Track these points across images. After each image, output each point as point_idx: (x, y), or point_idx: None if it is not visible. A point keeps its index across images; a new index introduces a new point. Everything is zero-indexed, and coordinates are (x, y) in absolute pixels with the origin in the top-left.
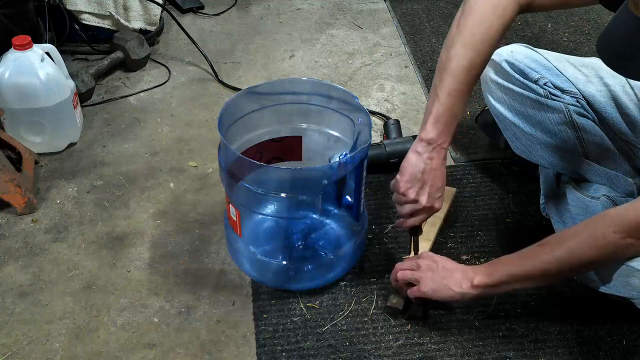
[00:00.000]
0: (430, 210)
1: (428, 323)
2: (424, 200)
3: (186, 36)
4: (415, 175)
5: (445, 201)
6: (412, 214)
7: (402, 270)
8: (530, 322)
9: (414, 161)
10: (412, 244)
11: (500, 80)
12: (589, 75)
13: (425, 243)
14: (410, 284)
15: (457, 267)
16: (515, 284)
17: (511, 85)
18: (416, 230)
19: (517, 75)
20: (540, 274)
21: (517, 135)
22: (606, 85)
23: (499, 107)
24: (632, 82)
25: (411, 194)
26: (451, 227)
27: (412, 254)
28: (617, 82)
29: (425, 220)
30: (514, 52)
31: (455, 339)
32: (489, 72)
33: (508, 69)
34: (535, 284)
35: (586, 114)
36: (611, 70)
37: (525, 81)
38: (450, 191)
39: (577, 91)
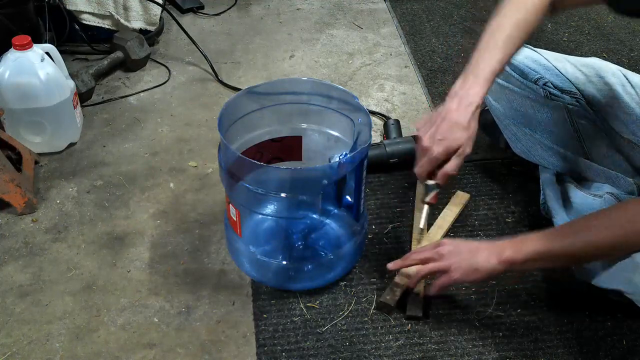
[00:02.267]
0: (429, 155)
1: (428, 323)
2: (425, 139)
3: (186, 36)
4: (431, 117)
5: (456, 205)
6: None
7: (423, 265)
8: (530, 322)
9: (438, 109)
10: (423, 215)
11: (499, 81)
12: (589, 75)
13: (428, 244)
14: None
15: (480, 246)
16: (540, 262)
17: (511, 86)
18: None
19: (516, 76)
20: (566, 254)
21: (517, 135)
22: (607, 84)
23: (499, 107)
24: (632, 81)
25: (421, 133)
26: (451, 227)
27: (422, 224)
28: (617, 81)
29: (430, 169)
30: None
31: (455, 339)
32: None
33: (508, 69)
34: (558, 264)
35: (586, 114)
36: (612, 70)
37: (525, 81)
38: (464, 197)
39: (577, 91)
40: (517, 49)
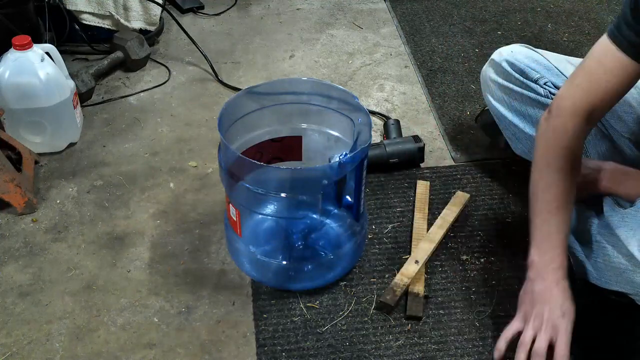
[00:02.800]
0: (554, 331)
1: (428, 323)
2: (537, 324)
3: (186, 36)
4: (524, 301)
5: (456, 205)
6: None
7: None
8: None
9: (526, 288)
10: None
11: (500, 80)
12: None
13: (428, 244)
14: None
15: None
16: None
17: (511, 85)
18: None
19: (517, 75)
20: None
21: (517, 135)
22: None
23: (499, 107)
24: None
25: (521, 319)
26: (451, 227)
27: None
28: None
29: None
30: (515, 52)
31: (455, 339)
32: (489, 72)
33: (508, 68)
34: None
35: None
36: None
37: (526, 81)
38: (464, 197)
39: None
40: (573, 195)
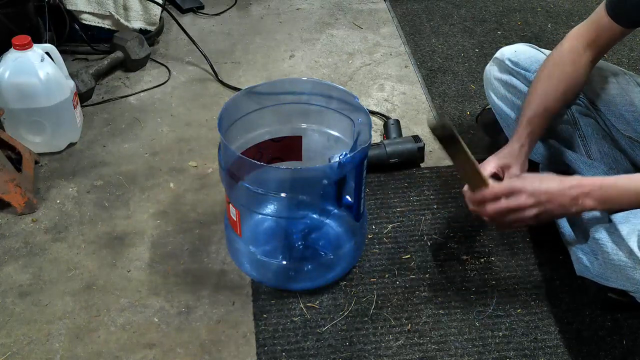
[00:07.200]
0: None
1: (428, 323)
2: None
3: (186, 36)
4: None
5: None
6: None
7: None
8: (530, 322)
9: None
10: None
11: (504, 77)
12: (592, 74)
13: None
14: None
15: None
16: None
17: (516, 82)
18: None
19: (522, 71)
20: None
21: None
22: (609, 82)
23: (502, 105)
24: (636, 78)
25: None
26: (451, 227)
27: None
28: (620, 80)
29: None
30: (518, 52)
31: (455, 339)
32: (493, 70)
33: (512, 66)
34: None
35: (588, 112)
36: (614, 69)
37: (528, 75)
38: None
39: None
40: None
